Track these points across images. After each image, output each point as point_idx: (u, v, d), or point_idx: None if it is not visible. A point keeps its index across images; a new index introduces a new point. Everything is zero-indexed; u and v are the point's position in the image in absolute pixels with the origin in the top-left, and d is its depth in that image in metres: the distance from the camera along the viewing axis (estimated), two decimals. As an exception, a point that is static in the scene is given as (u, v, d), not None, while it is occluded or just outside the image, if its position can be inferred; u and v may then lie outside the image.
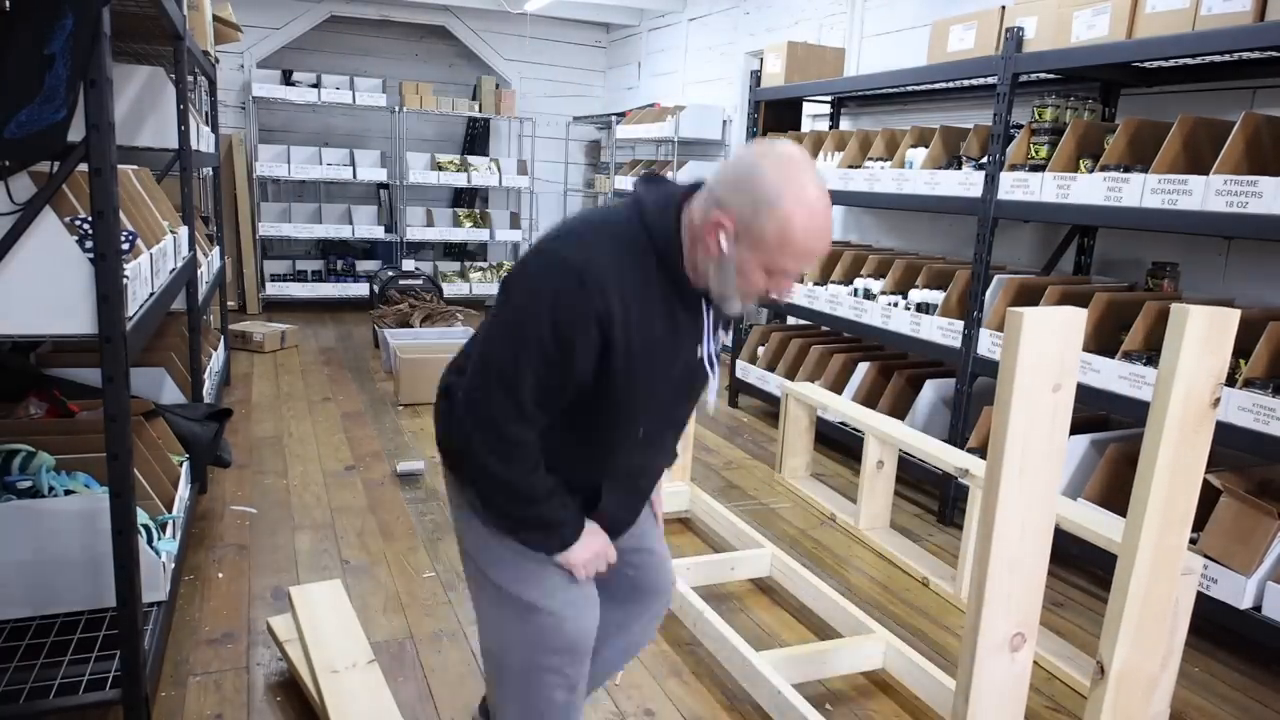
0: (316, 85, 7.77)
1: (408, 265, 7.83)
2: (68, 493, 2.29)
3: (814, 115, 5.80)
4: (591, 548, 1.58)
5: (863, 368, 4.40)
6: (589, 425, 1.50)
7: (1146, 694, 1.72)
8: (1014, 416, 1.44)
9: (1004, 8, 3.55)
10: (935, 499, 3.89)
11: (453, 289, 8.05)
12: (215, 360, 4.55)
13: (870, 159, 4.39)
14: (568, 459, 1.52)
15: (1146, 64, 3.24)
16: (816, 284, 4.67)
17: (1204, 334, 1.50)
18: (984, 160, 3.65)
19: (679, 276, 1.44)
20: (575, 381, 1.42)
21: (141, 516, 2.26)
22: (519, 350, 1.39)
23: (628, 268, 1.40)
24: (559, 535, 1.54)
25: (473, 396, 1.45)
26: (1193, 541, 2.72)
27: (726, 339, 1.64)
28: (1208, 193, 2.68)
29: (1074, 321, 1.46)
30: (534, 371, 1.39)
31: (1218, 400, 1.56)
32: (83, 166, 1.74)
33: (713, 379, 1.58)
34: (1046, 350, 1.44)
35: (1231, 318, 1.52)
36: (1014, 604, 1.54)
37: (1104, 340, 3.12)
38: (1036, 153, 3.48)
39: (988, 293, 3.56)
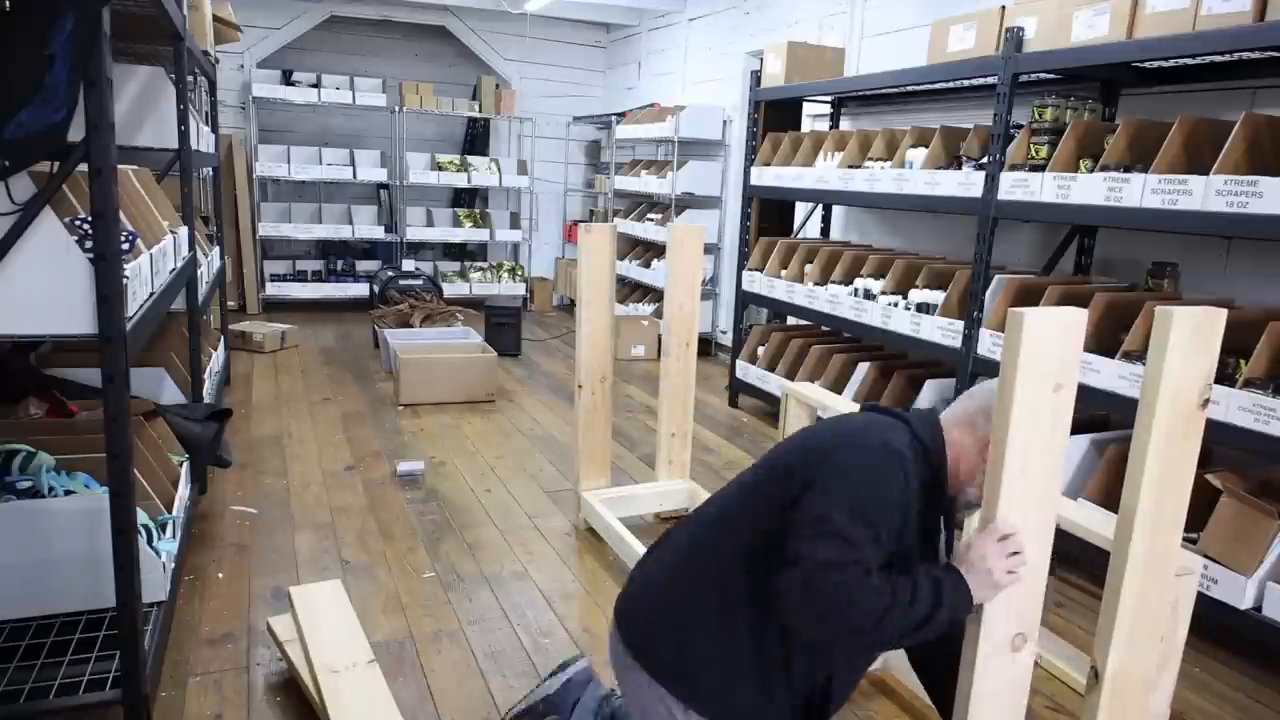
0: (316, 85, 7.77)
1: (408, 265, 7.83)
2: (68, 493, 2.29)
3: (814, 115, 5.80)
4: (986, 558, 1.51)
5: (863, 368, 4.40)
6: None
7: (1143, 696, 1.72)
8: (1014, 416, 1.44)
9: (1004, 8, 3.55)
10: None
11: (453, 289, 8.05)
12: (215, 360, 4.55)
13: (870, 159, 4.38)
14: (786, 671, 1.55)
15: (1146, 64, 3.24)
16: (817, 284, 4.67)
17: (1190, 336, 1.50)
18: (984, 160, 3.64)
19: (943, 488, 1.59)
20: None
21: (141, 516, 2.26)
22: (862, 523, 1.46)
23: (913, 474, 1.53)
24: (943, 598, 1.47)
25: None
26: (1193, 541, 2.72)
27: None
28: (1208, 193, 2.68)
29: (1074, 322, 1.46)
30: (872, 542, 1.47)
31: (1207, 401, 1.56)
32: (83, 166, 1.74)
33: None
34: (1047, 351, 1.44)
35: (1218, 318, 1.52)
36: (1015, 604, 1.54)
37: (1104, 340, 3.12)
38: (1036, 153, 3.48)
39: (988, 293, 3.56)
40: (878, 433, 1.55)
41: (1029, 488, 1.49)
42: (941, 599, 1.45)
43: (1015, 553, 1.48)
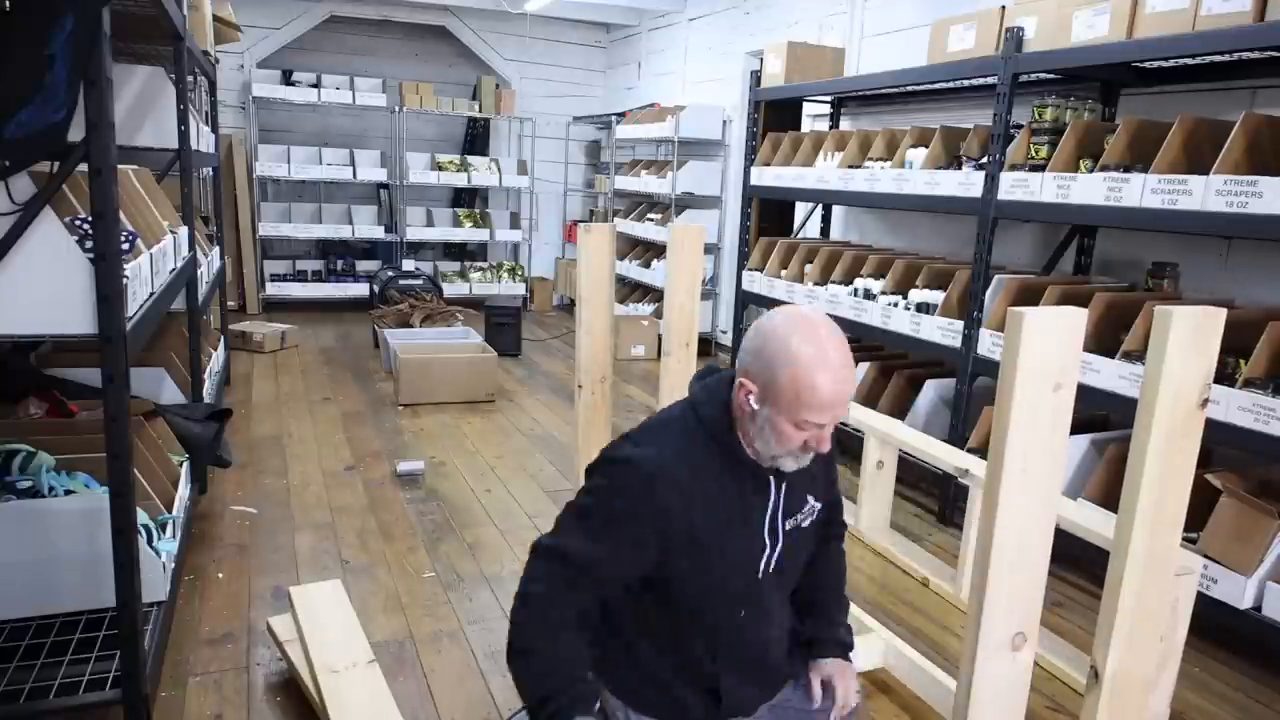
0: (316, 85, 7.78)
1: (408, 265, 7.83)
2: (68, 493, 2.29)
3: (814, 115, 5.80)
4: None
5: (862, 368, 4.40)
6: (682, 618, 1.54)
7: (1143, 696, 1.72)
8: (1014, 416, 1.44)
9: (1004, 8, 3.55)
10: (935, 499, 3.89)
11: (453, 289, 8.05)
12: (215, 360, 4.55)
13: (870, 159, 4.38)
14: (673, 655, 1.57)
15: (1146, 64, 3.24)
16: (816, 284, 4.67)
17: (1189, 336, 1.49)
18: (984, 160, 3.64)
19: (739, 452, 1.50)
20: (629, 575, 1.51)
21: (141, 516, 2.26)
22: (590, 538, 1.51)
23: (690, 464, 1.47)
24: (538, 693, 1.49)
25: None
26: (1193, 541, 2.72)
27: (816, 501, 1.63)
28: (1208, 193, 2.68)
29: (1074, 322, 1.46)
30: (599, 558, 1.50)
31: (1206, 401, 1.56)
32: (83, 166, 1.74)
33: (768, 548, 1.56)
34: (1047, 350, 1.44)
35: (1218, 318, 1.52)
36: (1015, 604, 1.54)
37: (1104, 340, 3.12)
38: (1036, 153, 3.48)
39: (988, 293, 3.56)
40: (634, 440, 1.53)
41: (1029, 487, 1.49)
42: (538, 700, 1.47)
43: None
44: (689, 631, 1.55)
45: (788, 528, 1.57)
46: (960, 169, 3.76)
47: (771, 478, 1.53)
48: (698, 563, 1.48)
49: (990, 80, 3.54)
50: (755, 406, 1.43)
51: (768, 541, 1.55)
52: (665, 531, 1.44)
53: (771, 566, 1.56)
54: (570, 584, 1.52)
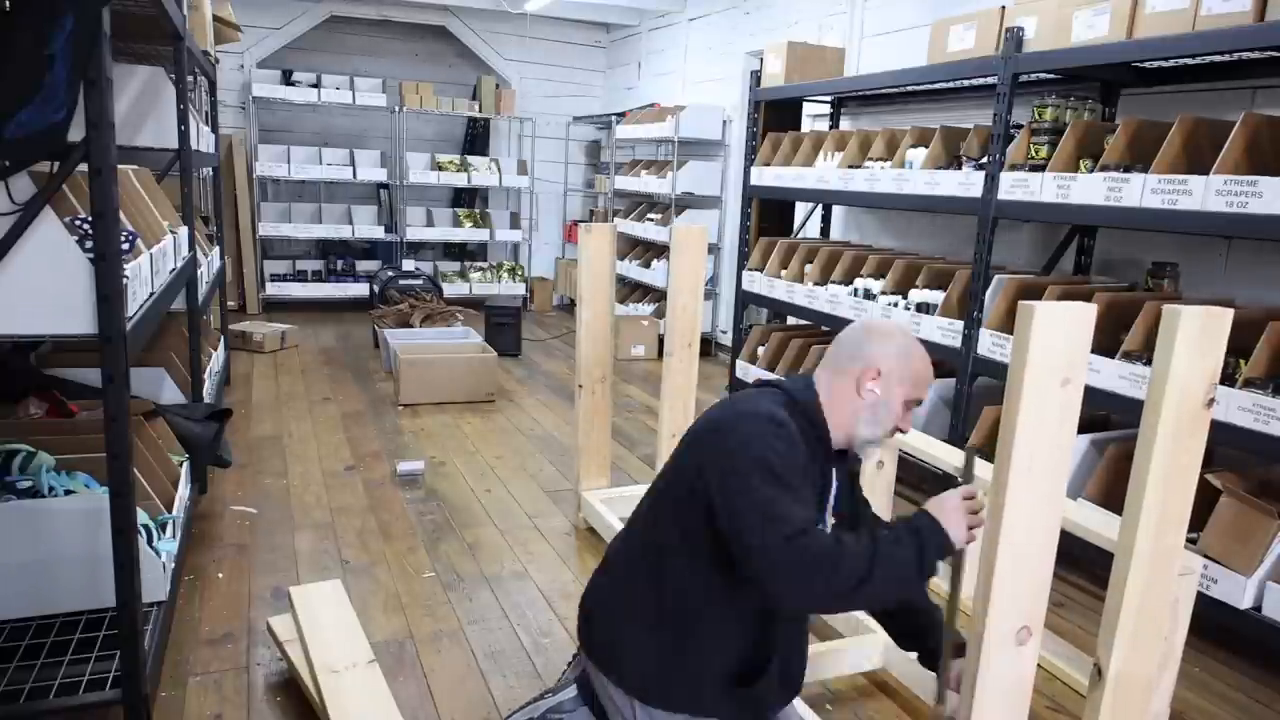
0: (316, 85, 7.77)
1: (408, 265, 7.83)
2: (68, 493, 2.29)
3: (814, 115, 5.80)
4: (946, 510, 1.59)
5: (863, 368, 4.39)
6: (752, 590, 1.57)
7: (1145, 695, 1.72)
8: (1023, 410, 1.44)
9: (1004, 8, 3.55)
10: (935, 499, 3.89)
11: (453, 289, 8.05)
12: (215, 360, 4.55)
13: (870, 159, 4.38)
14: (731, 639, 1.64)
15: (1146, 64, 3.24)
16: (817, 284, 4.67)
17: (1196, 335, 1.50)
18: (984, 160, 3.64)
19: (824, 440, 1.68)
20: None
21: (141, 516, 2.25)
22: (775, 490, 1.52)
23: (793, 432, 1.60)
24: (919, 545, 1.53)
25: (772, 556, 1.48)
26: (1193, 541, 2.72)
27: (833, 517, 1.78)
28: (1208, 193, 2.68)
29: (1083, 316, 1.46)
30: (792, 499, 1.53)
31: (1212, 401, 1.56)
32: (83, 166, 1.74)
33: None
34: (1056, 345, 1.44)
35: (1224, 318, 1.52)
36: (1019, 598, 1.54)
37: (1104, 340, 3.11)
38: (1036, 153, 3.48)
39: (988, 293, 3.56)
40: (753, 403, 1.64)
41: (1035, 483, 1.49)
42: (922, 543, 1.52)
43: (976, 512, 1.56)
44: (751, 604, 1.62)
45: (833, 521, 1.74)
46: (960, 169, 3.76)
47: (834, 469, 1.72)
48: None
49: (990, 80, 3.54)
50: (877, 391, 1.66)
51: (826, 525, 1.71)
52: None
53: None
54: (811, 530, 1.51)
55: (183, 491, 2.80)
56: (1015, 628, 1.56)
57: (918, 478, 3.89)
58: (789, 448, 1.55)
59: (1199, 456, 1.59)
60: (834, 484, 1.73)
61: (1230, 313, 1.53)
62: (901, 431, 1.71)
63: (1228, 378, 2.69)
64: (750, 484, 1.50)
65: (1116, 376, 2.95)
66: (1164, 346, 1.50)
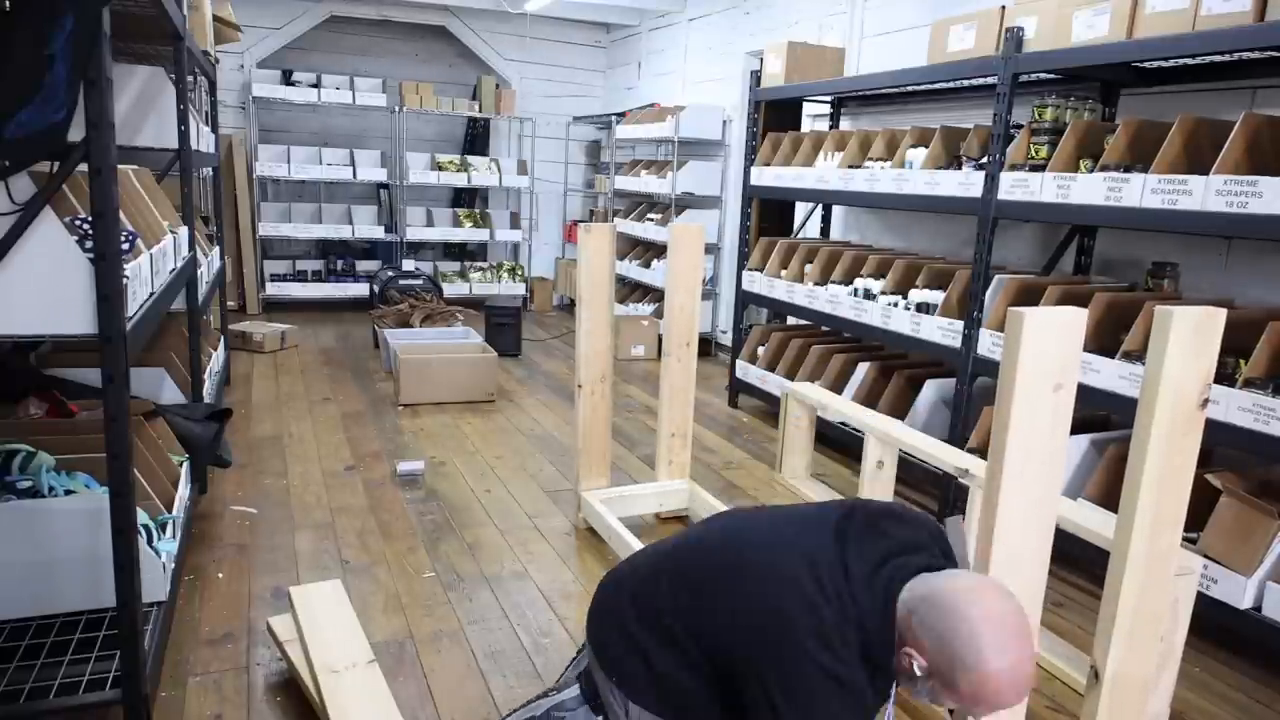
0: (316, 85, 7.77)
1: (408, 265, 7.83)
2: (68, 493, 2.29)
3: (814, 115, 5.80)
4: None
5: (863, 368, 4.40)
6: None
7: (1142, 696, 1.72)
8: (1015, 416, 1.44)
9: (1004, 8, 3.55)
10: (935, 499, 3.89)
11: (453, 289, 8.05)
12: (215, 360, 4.55)
13: (870, 159, 4.38)
14: None
15: (1146, 64, 3.24)
16: (817, 284, 4.67)
17: (1190, 336, 1.50)
18: (984, 160, 3.64)
19: (890, 669, 1.44)
20: None
21: (141, 516, 2.25)
22: None
23: (862, 669, 1.41)
24: None
25: None
26: (1193, 541, 2.72)
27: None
28: (1208, 193, 2.68)
29: (1074, 322, 1.46)
30: None
31: (1206, 401, 1.56)
32: (83, 166, 1.74)
33: None
34: (1047, 350, 1.44)
35: (1218, 319, 1.52)
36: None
37: (1104, 340, 3.12)
38: (1036, 153, 3.48)
39: (988, 293, 3.56)
40: (812, 642, 1.40)
41: (1029, 487, 1.49)
42: None
43: None
44: None
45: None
46: (960, 169, 3.76)
47: (892, 689, 1.50)
48: None
49: (990, 80, 3.54)
50: (919, 675, 1.37)
51: None
52: None
53: None
54: None
55: (183, 491, 2.80)
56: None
57: (917, 477, 3.89)
58: (844, 708, 1.38)
59: (1194, 457, 1.60)
60: (892, 698, 1.52)
61: (1223, 313, 1.53)
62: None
63: (1227, 378, 2.69)
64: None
65: (1116, 377, 2.95)
66: (1157, 347, 1.50)
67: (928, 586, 1.40)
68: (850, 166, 4.46)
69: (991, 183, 3.48)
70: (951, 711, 1.71)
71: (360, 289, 7.89)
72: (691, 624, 1.57)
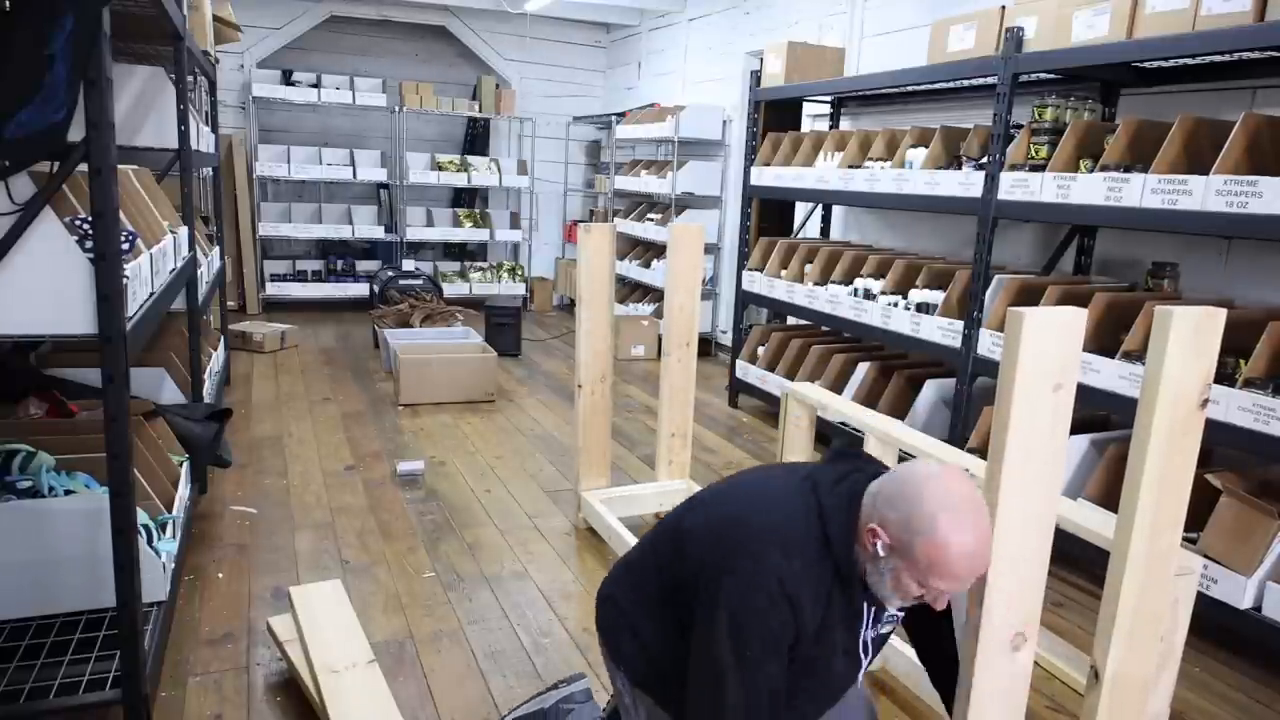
0: (316, 85, 7.78)
1: (408, 265, 7.83)
2: (68, 493, 2.29)
3: (814, 115, 5.80)
4: None
5: (863, 368, 4.40)
6: None
7: (1142, 696, 1.72)
8: (1014, 416, 1.44)
9: (1004, 8, 3.55)
10: (935, 499, 3.88)
11: (453, 289, 8.05)
12: (215, 360, 4.55)
13: (870, 159, 4.38)
14: None
15: (1146, 64, 3.24)
16: (816, 284, 4.67)
17: (1190, 336, 1.49)
18: (984, 160, 3.64)
19: (853, 575, 1.47)
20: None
21: (141, 516, 2.26)
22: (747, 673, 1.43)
23: (814, 579, 1.45)
24: None
25: None
26: (1193, 541, 2.72)
27: (886, 628, 1.63)
28: (1208, 193, 2.68)
29: (1074, 322, 1.46)
30: (766, 687, 1.44)
31: (1206, 401, 1.56)
32: (83, 166, 1.74)
33: (863, 664, 1.61)
34: (1047, 350, 1.44)
35: (1218, 319, 1.52)
36: (1014, 603, 1.54)
37: (1104, 340, 3.12)
38: (1036, 153, 3.48)
39: (988, 293, 3.56)
40: (766, 542, 1.45)
41: (1029, 487, 1.49)
42: None
43: None
44: None
45: (872, 638, 1.59)
46: (960, 169, 3.76)
47: (866, 601, 1.52)
48: (805, 669, 1.50)
49: (990, 80, 3.54)
50: (882, 554, 1.41)
51: (862, 658, 1.59)
52: (792, 644, 1.46)
53: (860, 676, 1.63)
54: (774, 709, 1.46)
55: (183, 491, 2.80)
56: (1010, 633, 1.56)
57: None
58: (776, 619, 1.42)
59: (1194, 457, 1.59)
60: (866, 612, 1.54)
61: (1223, 313, 1.52)
62: (933, 606, 1.48)
63: (1228, 378, 2.69)
64: (715, 636, 1.43)
65: (1116, 377, 2.95)
66: (1157, 347, 1.49)
67: (891, 473, 1.48)
68: (850, 166, 4.46)
69: (991, 183, 3.48)
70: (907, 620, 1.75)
71: (360, 289, 7.90)
72: (669, 579, 1.60)
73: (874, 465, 1.59)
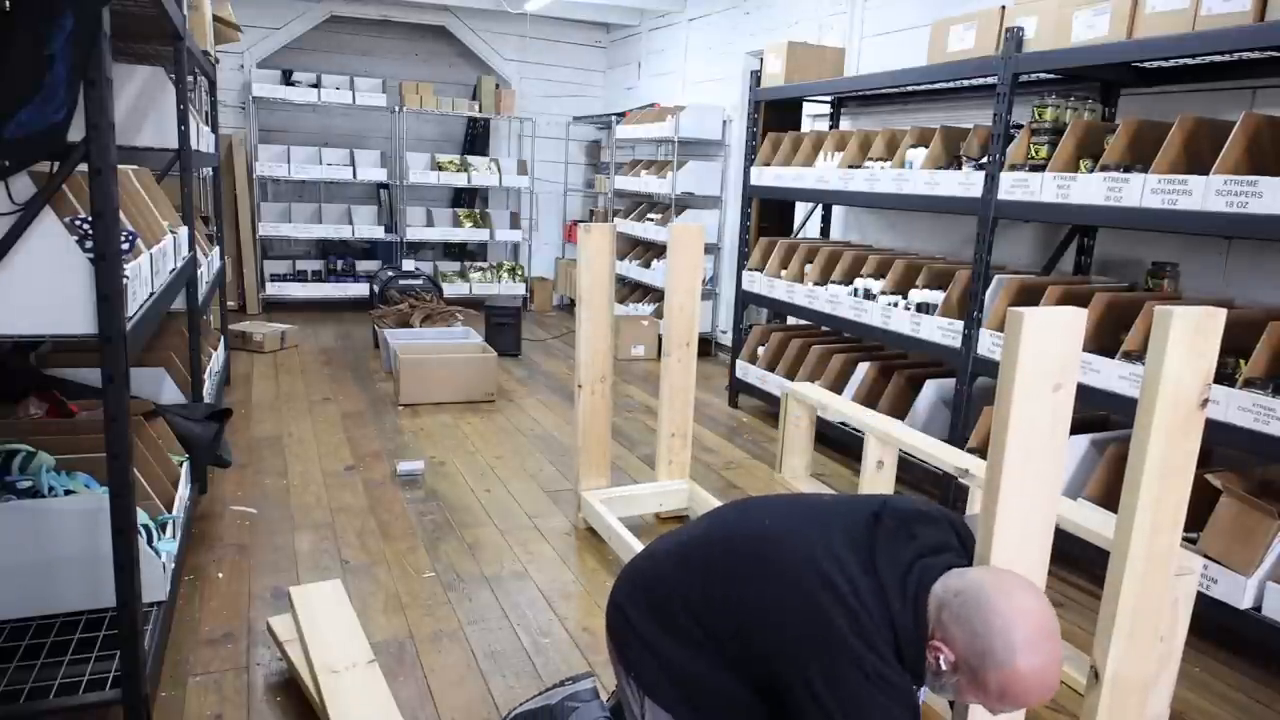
0: (316, 85, 7.77)
1: (408, 265, 7.83)
2: (68, 493, 2.29)
3: (814, 115, 5.80)
4: None
5: (863, 368, 4.40)
6: None
7: (1142, 696, 1.72)
8: (1014, 416, 1.44)
9: (1004, 8, 3.55)
10: (935, 499, 3.89)
11: (453, 289, 8.05)
12: (215, 360, 4.55)
13: (870, 159, 4.38)
14: None
15: (1146, 64, 3.24)
16: (816, 284, 4.67)
17: (1189, 336, 1.50)
18: (984, 160, 3.64)
19: (918, 670, 1.43)
20: None
21: (141, 516, 2.25)
22: None
23: (901, 670, 1.41)
24: None
25: None
26: (1193, 541, 2.72)
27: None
28: (1208, 193, 2.68)
29: (1074, 322, 1.46)
30: None
31: (1206, 401, 1.56)
32: (83, 166, 1.74)
33: None
34: (1047, 350, 1.44)
35: (1217, 319, 1.52)
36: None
37: (1104, 340, 3.12)
38: (1036, 153, 3.48)
39: (988, 293, 3.56)
40: (853, 648, 1.38)
41: (1029, 487, 1.49)
42: None
43: None
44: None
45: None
46: (960, 169, 3.76)
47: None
48: None
49: (990, 80, 3.54)
50: (944, 668, 1.37)
51: None
52: None
53: None
54: None
55: (183, 491, 2.80)
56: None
57: (917, 477, 3.89)
58: (887, 696, 1.36)
59: (1194, 457, 1.60)
60: (922, 696, 1.51)
61: (1223, 313, 1.52)
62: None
63: (1228, 378, 2.69)
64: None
65: (1116, 376, 2.95)
66: (1157, 347, 1.50)
67: (962, 581, 1.40)
68: (850, 166, 4.46)
69: (991, 183, 3.48)
70: (952, 704, 1.71)
71: (360, 289, 7.89)
72: (711, 618, 1.56)
73: (932, 531, 1.52)
